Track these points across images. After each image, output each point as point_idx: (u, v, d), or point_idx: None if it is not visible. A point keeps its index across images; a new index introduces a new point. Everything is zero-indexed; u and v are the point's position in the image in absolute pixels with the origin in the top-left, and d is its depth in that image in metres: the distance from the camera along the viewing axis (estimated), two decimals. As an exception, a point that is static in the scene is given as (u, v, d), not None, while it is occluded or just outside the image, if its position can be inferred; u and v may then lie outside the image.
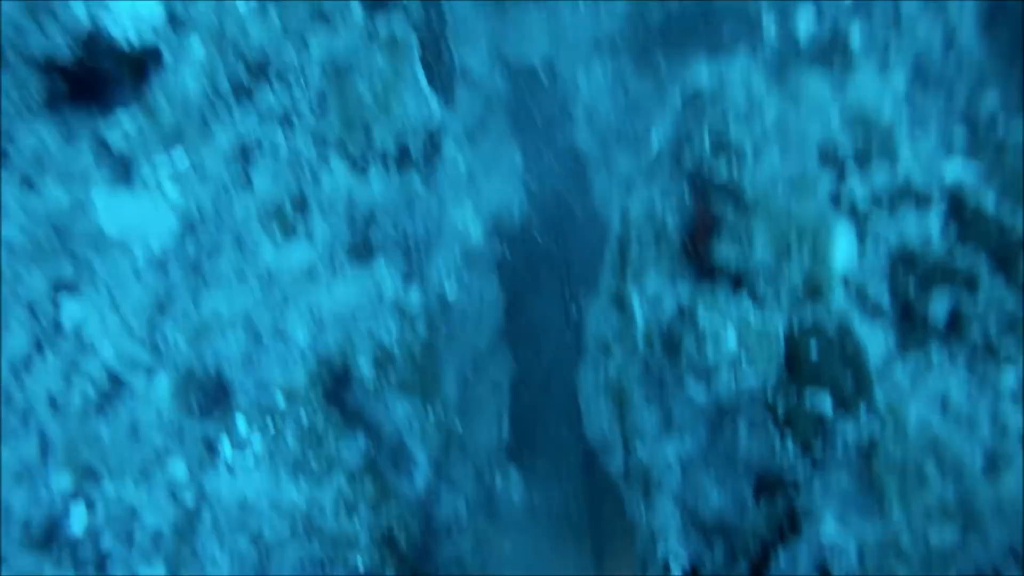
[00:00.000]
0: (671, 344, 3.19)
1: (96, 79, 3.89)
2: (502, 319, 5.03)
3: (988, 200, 3.12)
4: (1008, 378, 3.15)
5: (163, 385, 3.79)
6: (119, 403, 3.83)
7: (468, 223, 4.09)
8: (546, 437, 5.30)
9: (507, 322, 5.14)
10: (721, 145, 3.04)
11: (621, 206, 3.56)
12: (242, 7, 3.53)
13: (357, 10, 3.52)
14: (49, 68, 3.62)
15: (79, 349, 3.81)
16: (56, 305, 3.80)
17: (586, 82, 5.01)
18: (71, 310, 3.82)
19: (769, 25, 3.44)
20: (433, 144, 3.72)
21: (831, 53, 3.36)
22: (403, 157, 3.61)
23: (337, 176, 3.55)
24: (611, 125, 4.86)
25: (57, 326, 3.81)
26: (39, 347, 3.80)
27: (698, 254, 3.12)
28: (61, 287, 3.76)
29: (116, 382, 3.81)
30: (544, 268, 5.41)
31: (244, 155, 3.55)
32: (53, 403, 3.83)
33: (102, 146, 3.72)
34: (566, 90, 5.44)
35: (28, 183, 3.71)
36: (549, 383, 5.18)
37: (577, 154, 5.40)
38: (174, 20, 3.67)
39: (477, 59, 4.13)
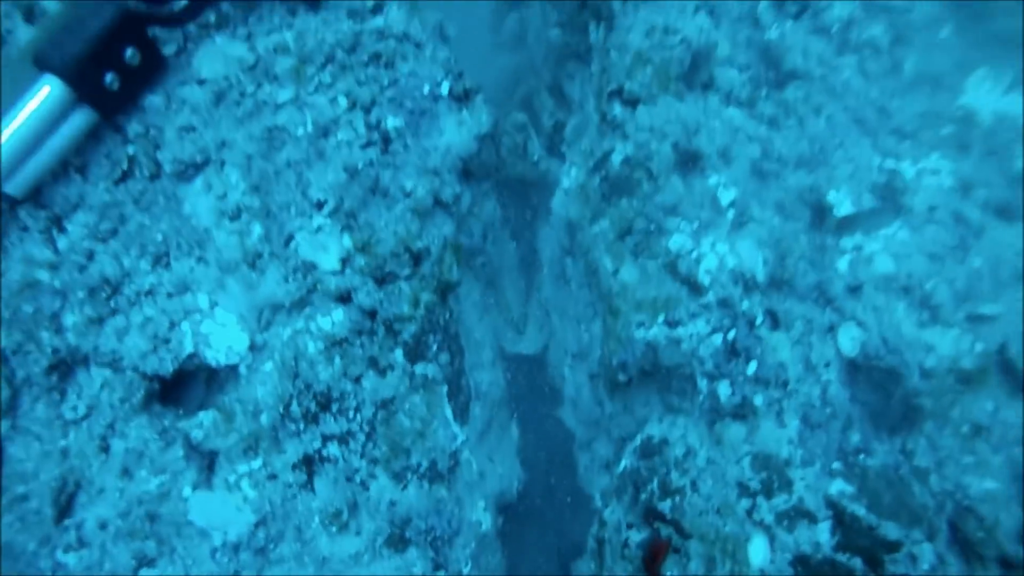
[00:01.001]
0: (636, 634, 4.10)
1: (183, 384, 4.88)
2: (503, 577, 5.67)
3: (860, 511, 4.27)
4: (898, 656, 4.00)
5: (221, 647, 4.31)
6: (177, 662, 4.28)
7: (481, 517, 4.85)
8: None
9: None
10: (666, 491, 4.14)
11: (601, 496, 4.55)
12: (312, 348, 4.63)
13: (400, 358, 4.43)
14: (151, 377, 4.48)
15: (148, 613, 4.27)
16: (134, 576, 4.34)
17: (571, 376, 5.94)
18: (146, 579, 4.36)
19: (703, 387, 4.47)
20: (455, 459, 4.50)
21: (743, 411, 4.38)
22: (433, 471, 4.41)
23: (383, 487, 4.34)
24: (591, 416, 5.62)
25: (131, 593, 4.29)
26: (109, 612, 4.25)
27: (652, 573, 4.10)
28: (143, 563, 4.27)
29: (178, 644, 4.28)
30: (537, 531, 6.03)
31: (308, 465, 4.35)
32: (114, 665, 4.28)
33: (191, 447, 4.62)
34: (555, 378, 6.31)
35: (127, 472, 4.44)
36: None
37: (565, 432, 6.15)
38: (254, 347, 4.60)
39: (485, 368, 5.16)
